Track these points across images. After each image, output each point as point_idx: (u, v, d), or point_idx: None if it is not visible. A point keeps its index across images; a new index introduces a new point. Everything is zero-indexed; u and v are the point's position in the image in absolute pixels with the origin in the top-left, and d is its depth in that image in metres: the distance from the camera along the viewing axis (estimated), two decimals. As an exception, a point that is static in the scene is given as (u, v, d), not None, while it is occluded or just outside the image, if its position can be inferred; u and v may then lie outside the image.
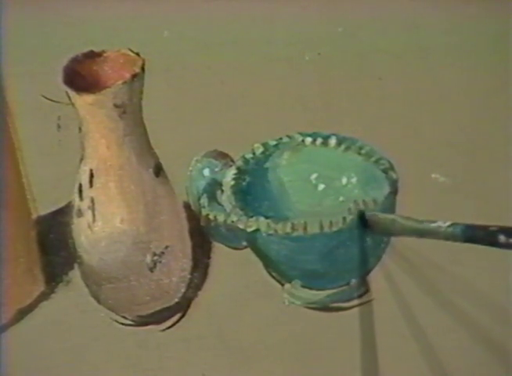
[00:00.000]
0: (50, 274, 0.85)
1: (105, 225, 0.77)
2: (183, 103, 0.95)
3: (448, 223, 0.71)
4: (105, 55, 0.76)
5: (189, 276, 0.83)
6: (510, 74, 0.95)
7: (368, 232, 0.79)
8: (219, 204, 0.84)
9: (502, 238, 0.67)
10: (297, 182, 0.87)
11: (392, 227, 0.76)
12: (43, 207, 0.86)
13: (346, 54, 0.98)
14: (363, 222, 0.78)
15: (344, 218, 0.78)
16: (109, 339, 0.81)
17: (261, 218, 0.80)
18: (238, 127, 0.93)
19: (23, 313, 0.83)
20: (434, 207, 0.86)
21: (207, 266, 0.85)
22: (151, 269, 0.79)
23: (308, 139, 0.86)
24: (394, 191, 0.81)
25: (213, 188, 0.85)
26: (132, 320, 0.82)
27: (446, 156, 0.92)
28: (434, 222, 0.72)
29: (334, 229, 0.78)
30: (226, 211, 0.82)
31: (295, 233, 0.78)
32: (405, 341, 0.80)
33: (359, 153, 0.85)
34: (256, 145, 0.87)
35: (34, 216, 0.85)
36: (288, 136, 0.87)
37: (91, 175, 0.76)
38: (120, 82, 0.73)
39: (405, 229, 0.75)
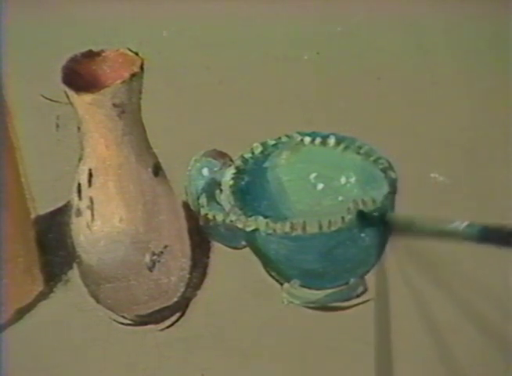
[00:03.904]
0: (49, 274, 0.85)
1: (104, 224, 0.77)
2: (182, 103, 0.95)
3: (465, 224, 0.72)
4: (104, 54, 0.76)
5: (188, 276, 0.83)
6: (509, 74, 0.95)
7: (388, 232, 0.79)
8: (218, 203, 0.84)
9: None
10: (296, 181, 0.87)
11: (411, 228, 0.77)
12: (42, 206, 0.86)
13: (345, 53, 0.98)
14: (385, 223, 0.78)
15: (343, 218, 0.78)
16: (108, 339, 0.81)
17: (260, 218, 0.80)
18: (237, 126, 0.93)
19: (22, 313, 0.83)
20: (433, 207, 0.86)
21: (206, 266, 0.85)
22: (150, 269, 0.79)
23: (307, 139, 0.86)
24: (393, 190, 0.81)
25: (212, 187, 0.85)
26: (131, 320, 0.82)
27: (445, 155, 0.92)
28: (451, 222, 0.73)
29: (333, 228, 0.78)
30: (225, 211, 0.82)
31: (294, 233, 0.78)
32: (405, 340, 0.80)
33: (358, 153, 0.85)
34: (255, 144, 0.87)
35: (33, 216, 0.85)
36: (287, 136, 0.87)
37: (90, 175, 0.77)
38: (119, 82, 0.73)
39: (424, 230, 0.75)
